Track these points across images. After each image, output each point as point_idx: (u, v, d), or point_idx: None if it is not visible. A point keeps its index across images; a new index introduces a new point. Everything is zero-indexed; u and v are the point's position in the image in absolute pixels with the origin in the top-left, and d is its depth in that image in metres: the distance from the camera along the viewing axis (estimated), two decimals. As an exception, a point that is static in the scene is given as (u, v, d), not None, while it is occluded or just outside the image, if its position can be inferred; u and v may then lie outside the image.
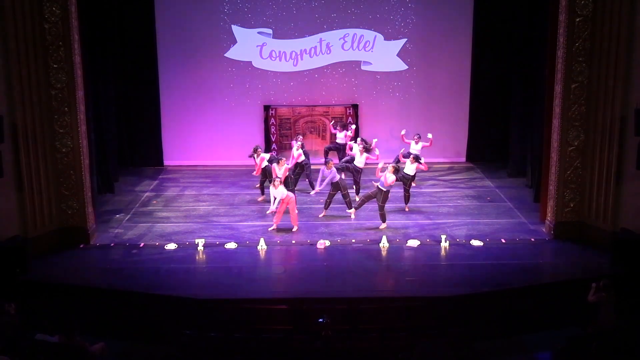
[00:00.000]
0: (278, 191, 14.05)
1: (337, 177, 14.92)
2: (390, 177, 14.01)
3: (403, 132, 17.06)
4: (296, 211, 14.36)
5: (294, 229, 14.25)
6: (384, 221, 14.32)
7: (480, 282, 11.84)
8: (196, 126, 19.36)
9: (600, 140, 13.05)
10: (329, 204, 14.99)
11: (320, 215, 14.90)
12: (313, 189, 16.50)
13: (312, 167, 17.10)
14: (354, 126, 18.17)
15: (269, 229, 14.29)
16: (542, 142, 14.53)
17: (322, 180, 15.42)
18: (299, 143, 16.80)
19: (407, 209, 15.35)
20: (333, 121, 18.74)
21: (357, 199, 15.49)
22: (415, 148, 16.92)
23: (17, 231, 12.73)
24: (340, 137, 17.93)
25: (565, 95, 13.16)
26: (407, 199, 15.40)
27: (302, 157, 16.72)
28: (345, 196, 14.90)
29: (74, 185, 13.39)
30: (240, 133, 19.06)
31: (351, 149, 16.65)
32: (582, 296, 10.50)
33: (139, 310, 11.50)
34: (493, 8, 18.66)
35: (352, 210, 14.70)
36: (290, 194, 14.24)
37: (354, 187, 16.22)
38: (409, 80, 19.39)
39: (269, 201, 14.81)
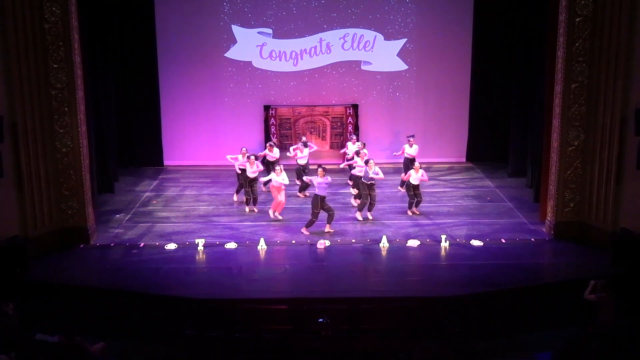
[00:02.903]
0: (280, 177, 14.69)
1: (325, 190, 14.23)
2: (371, 171, 14.59)
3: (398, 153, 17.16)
4: (282, 200, 14.91)
5: (279, 218, 14.94)
6: (361, 210, 14.92)
7: (480, 282, 11.84)
8: (196, 126, 19.37)
9: (600, 140, 13.05)
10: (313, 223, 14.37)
11: (326, 230, 14.27)
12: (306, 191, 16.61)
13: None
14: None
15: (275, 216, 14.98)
16: (542, 142, 14.53)
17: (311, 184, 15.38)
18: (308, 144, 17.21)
19: (409, 213, 15.20)
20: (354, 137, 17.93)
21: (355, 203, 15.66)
22: (409, 151, 16.93)
23: (17, 231, 12.73)
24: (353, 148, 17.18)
25: (565, 95, 13.16)
26: (418, 203, 15.26)
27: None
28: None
29: (74, 185, 13.39)
30: (240, 133, 19.05)
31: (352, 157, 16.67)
32: (582, 296, 10.50)
33: (139, 310, 11.50)
34: (493, 8, 18.66)
35: (328, 226, 14.32)
36: (285, 183, 14.87)
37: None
38: (409, 80, 19.40)
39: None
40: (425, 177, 15.27)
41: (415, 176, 15.08)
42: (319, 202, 14.05)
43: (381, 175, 14.90)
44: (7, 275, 11.90)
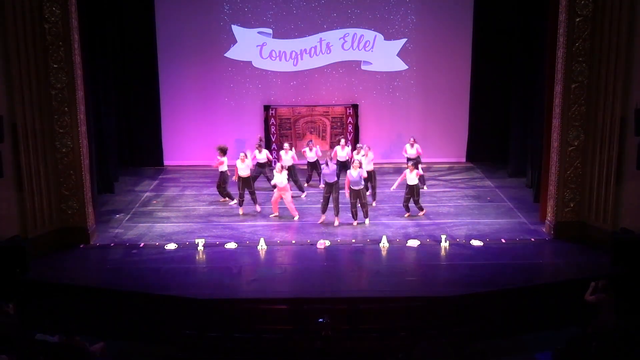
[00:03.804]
0: (279, 177, 14.72)
1: (335, 178, 14.57)
2: (355, 172, 14.24)
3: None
4: (290, 200, 15.02)
5: (295, 218, 14.93)
6: (366, 216, 14.68)
7: (480, 282, 11.84)
8: (196, 126, 19.36)
9: (600, 140, 13.05)
10: (326, 207, 14.70)
11: (320, 222, 14.65)
12: (302, 191, 16.68)
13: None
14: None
15: (271, 216, 15.00)
16: (542, 142, 14.53)
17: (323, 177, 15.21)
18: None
19: (421, 214, 15.06)
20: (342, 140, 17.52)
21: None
22: (410, 152, 16.93)
23: (17, 231, 12.73)
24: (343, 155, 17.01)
25: (565, 95, 13.16)
26: (418, 207, 15.07)
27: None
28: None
29: (74, 185, 13.39)
30: (240, 133, 19.05)
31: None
32: (582, 296, 10.51)
33: (139, 310, 11.50)
34: (493, 8, 18.66)
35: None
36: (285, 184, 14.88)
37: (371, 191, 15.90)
38: (409, 80, 19.39)
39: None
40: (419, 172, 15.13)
41: (410, 176, 14.84)
42: (328, 189, 14.48)
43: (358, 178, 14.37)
44: (7, 275, 11.90)
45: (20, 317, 10.46)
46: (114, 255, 13.25)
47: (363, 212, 14.62)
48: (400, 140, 18.33)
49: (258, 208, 15.47)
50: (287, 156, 16.58)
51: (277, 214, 15.14)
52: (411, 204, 15.08)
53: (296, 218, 14.90)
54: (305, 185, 16.95)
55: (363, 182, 14.50)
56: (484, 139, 19.50)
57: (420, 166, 15.49)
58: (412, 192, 14.93)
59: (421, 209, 15.14)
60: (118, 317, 11.53)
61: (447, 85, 19.32)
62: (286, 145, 16.97)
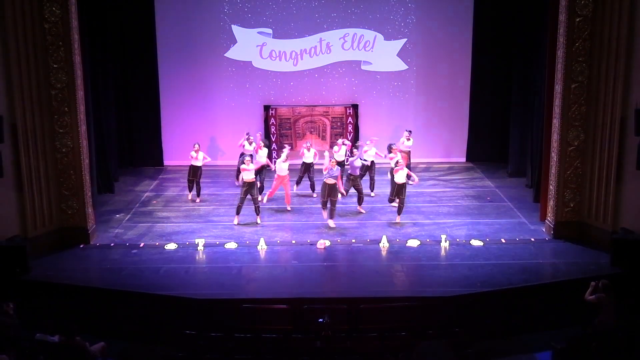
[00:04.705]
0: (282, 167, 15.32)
1: (334, 180, 14.32)
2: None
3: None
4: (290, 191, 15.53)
5: (288, 208, 15.44)
6: (332, 217, 14.52)
7: (480, 282, 11.84)
8: (196, 126, 19.35)
9: (600, 140, 13.06)
10: (334, 211, 14.52)
11: (332, 226, 14.41)
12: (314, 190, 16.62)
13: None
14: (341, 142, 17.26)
15: (263, 200, 15.54)
16: (542, 142, 14.53)
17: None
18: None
19: (397, 220, 14.67)
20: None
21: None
22: (407, 145, 16.96)
23: (17, 231, 12.74)
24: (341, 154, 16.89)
25: (565, 95, 13.16)
26: (400, 209, 14.69)
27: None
28: (334, 203, 14.33)
29: (74, 185, 13.39)
30: (240, 133, 18.99)
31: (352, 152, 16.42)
32: (582, 296, 10.51)
33: (139, 310, 11.50)
34: (493, 8, 18.67)
35: (331, 220, 14.41)
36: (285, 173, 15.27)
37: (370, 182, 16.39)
38: (409, 80, 19.40)
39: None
40: (414, 178, 14.80)
41: (400, 174, 14.58)
42: (325, 189, 14.36)
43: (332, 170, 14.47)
44: (7, 275, 11.91)
45: (20, 317, 10.46)
46: (114, 255, 13.25)
47: (331, 210, 14.45)
48: (399, 135, 18.29)
49: (259, 220, 14.75)
50: (341, 152, 16.67)
51: (264, 201, 15.51)
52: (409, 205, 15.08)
53: (289, 208, 15.28)
54: (295, 188, 16.63)
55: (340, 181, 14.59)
56: (484, 139, 19.51)
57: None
58: (399, 191, 14.57)
59: (400, 211, 14.71)
60: (118, 317, 11.53)
61: (447, 85, 19.33)
62: (340, 141, 16.94)
